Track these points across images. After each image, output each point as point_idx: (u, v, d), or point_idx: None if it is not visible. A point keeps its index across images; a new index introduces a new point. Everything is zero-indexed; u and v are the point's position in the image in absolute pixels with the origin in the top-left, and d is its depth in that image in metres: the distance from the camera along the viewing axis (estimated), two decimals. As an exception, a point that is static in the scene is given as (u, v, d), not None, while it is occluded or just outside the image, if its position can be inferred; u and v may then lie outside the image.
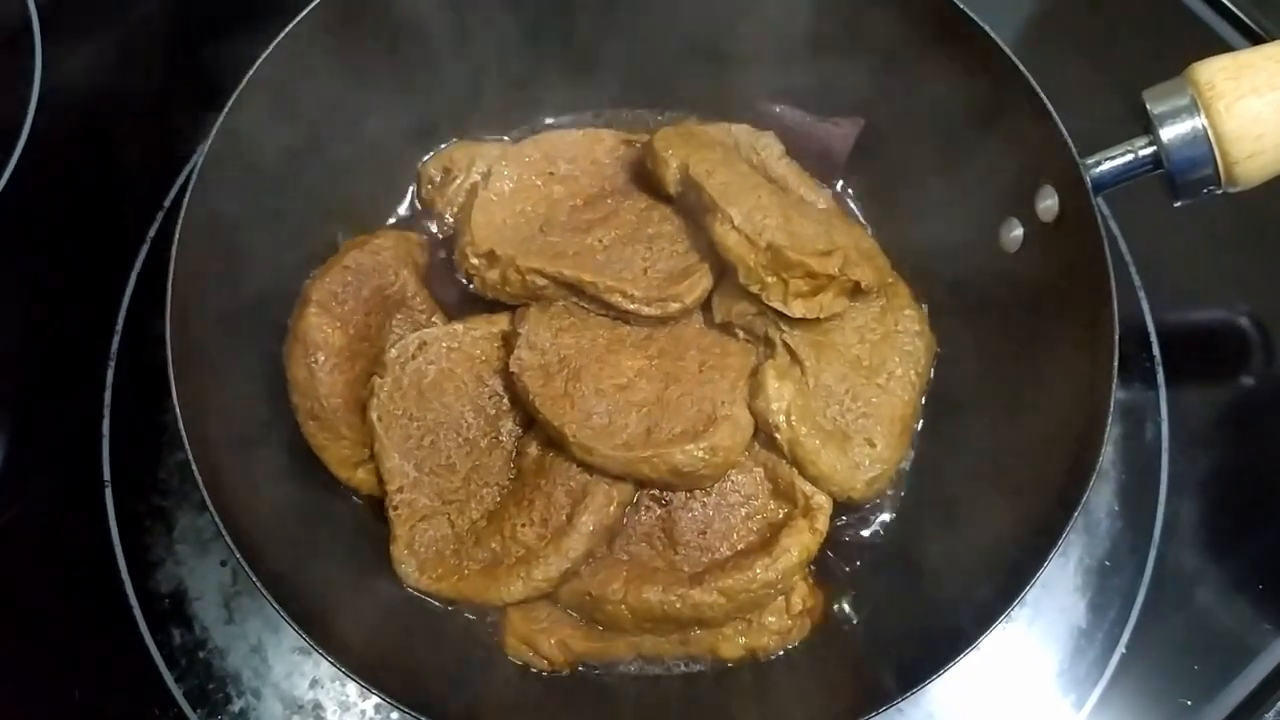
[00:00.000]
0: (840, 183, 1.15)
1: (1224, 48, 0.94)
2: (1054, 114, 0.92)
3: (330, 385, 0.99)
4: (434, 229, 1.13)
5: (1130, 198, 0.95)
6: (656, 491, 0.98)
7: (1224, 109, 0.86)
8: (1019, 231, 1.00)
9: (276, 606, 0.81)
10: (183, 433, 0.84)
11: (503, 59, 1.12)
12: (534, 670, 0.96)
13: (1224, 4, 1.31)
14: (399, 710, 0.82)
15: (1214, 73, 0.87)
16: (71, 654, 1.02)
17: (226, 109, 0.93)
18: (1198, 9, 1.32)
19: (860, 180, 1.15)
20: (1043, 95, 0.93)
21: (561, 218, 1.07)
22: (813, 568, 0.99)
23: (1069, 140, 0.91)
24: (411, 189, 1.16)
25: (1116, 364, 0.86)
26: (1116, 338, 0.87)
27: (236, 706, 1.00)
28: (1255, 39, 1.28)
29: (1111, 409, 0.85)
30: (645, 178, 1.07)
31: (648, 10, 1.10)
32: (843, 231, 1.04)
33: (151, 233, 1.18)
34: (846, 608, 1.00)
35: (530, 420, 1.00)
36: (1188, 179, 0.89)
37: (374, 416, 0.99)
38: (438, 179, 1.14)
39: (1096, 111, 1.00)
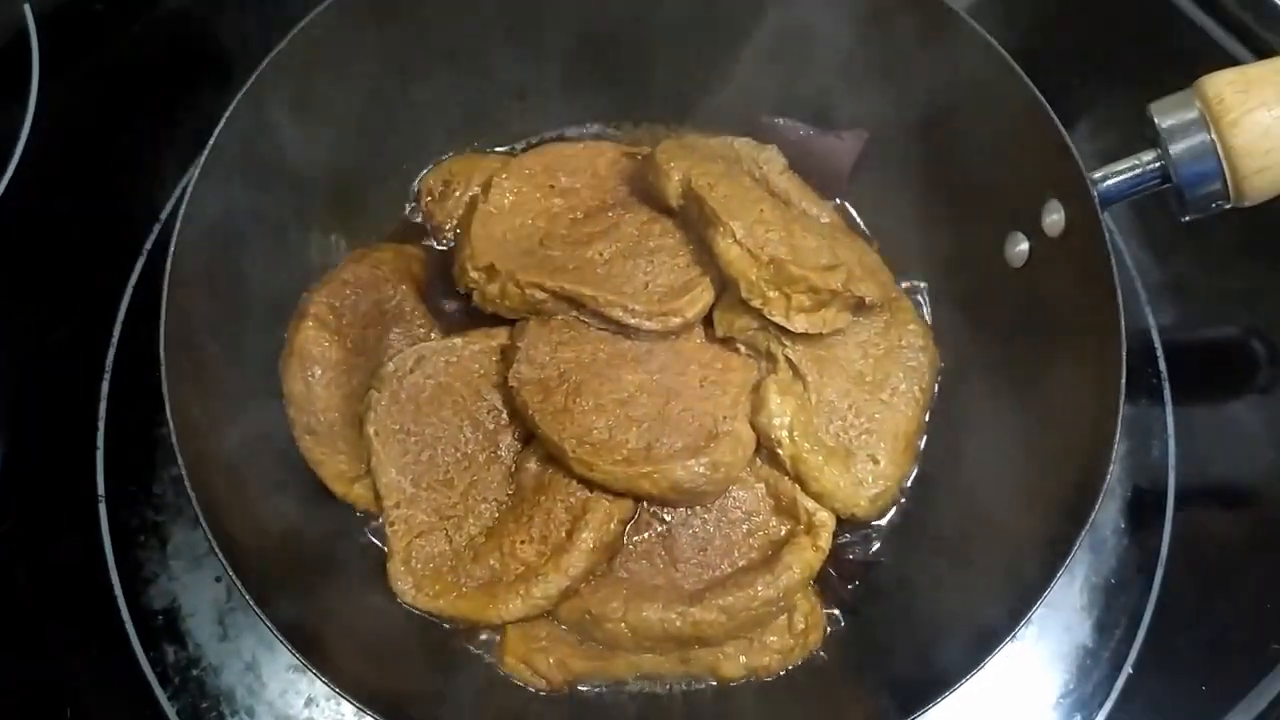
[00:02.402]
0: (843, 197, 1.14)
1: (1229, 62, 0.93)
2: (1061, 128, 0.92)
3: (327, 400, 0.99)
4: (434, 242, 1.13)
5: (1135, 212, 0.94)
6: (657, 508, 0.97)
7: (1232, 123, 0.85)
8: (1024, 246, 0.99)
9: (269, 624, 0.80)
10: (176, 447, 0.83)
11: (503, 71, 1.12)
12: (532, 690, 0.95)
13: (1230, 18, 1.30)
14: (393, 730, 0.81)
15: (1222, 86, 0.86)
16: (63, 670, 1.01)
17: (224, 120, 0.92)
18: (1203, 23, 1.31)
19: (864, 194, 1.14)
20: (1049, 109, 0.92)
21: (562, 231, 1.06)
22: (815, 585, 0.98)
23: (1076, 154, 0.90)
24: (411, 201, 1.15)
25: (1124, 379, 0.85)
26: (1124, 353, 0.86)
27: (230, 725, 0.99)
28: (1261, 53, 1.28)
29: (1119, 425, 0.84)
30: (646, 191, 1.06)
31: (649, 23, 1.09)
32: (846, 246, 1.03)
33: (148, 245, 1.17)
34: (849, 627, 0.98)
35: (529, 435, 0.99)
36: (1196, 193, 0.89)
37: (371, 431, 0.98)
38: (438, 192, 1.13)
39: (1102, 126, 1.00)
